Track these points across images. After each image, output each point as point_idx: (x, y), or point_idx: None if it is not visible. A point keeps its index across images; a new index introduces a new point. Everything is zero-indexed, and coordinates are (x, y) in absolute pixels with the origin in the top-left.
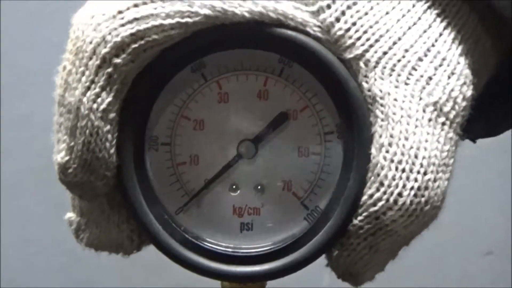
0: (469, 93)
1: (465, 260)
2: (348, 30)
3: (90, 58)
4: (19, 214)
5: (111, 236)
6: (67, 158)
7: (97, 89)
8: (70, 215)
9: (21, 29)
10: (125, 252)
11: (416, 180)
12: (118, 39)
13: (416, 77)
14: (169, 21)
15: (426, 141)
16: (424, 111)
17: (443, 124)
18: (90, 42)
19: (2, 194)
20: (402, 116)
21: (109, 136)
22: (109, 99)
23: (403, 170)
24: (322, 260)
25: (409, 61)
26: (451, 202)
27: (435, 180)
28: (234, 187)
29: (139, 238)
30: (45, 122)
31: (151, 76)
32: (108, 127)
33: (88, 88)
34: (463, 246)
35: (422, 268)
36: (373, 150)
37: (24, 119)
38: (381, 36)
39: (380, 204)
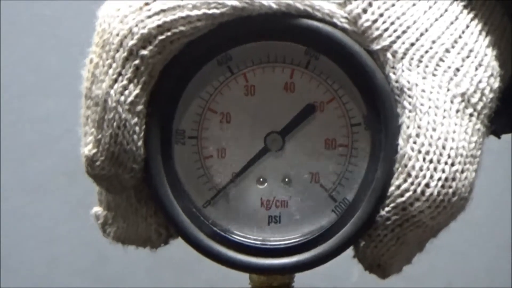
0: (496, 84)
1: (493, 253)
2: (375, 21)
3: (117, 51)
4: (44, 215)
5: (139, 229)
6: (94, 150)
7: (124, 82)
8: (97, 209)
9: (46, 29)
10: (152, 246)
11: (443, 171)
12: (145, 31)
13: (443, 68)
14: (195, 12)
15: (454, 132)
16: (451, 102)
17: (471, 115)
18: (117, 35)
19: (28, 194)
20: (430, 107)
21: (137, 128)
22: (137, 91)
23: (431, 161)
24: (351, 256)
25: (436, 52)
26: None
27: (462, 171)
28: (261, 179)
29: (167, 231)
30: (69, 122)
31: (178, 68)
32: (136, 119)
33: (115, 80)
34: (491, 240)
35: (450, 262)
36: (401, 141)
37: (49, 119)
38: (408, 27)
39: (407, 195)
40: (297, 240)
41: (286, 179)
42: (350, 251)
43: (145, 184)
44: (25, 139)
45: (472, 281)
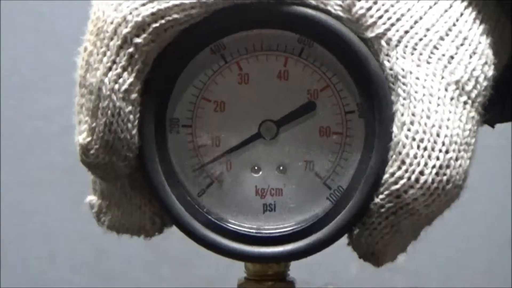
0: (490, 72)
1: (491, 249)
2: (369, 9)
3: (111, 39)
4: (43, 210)
5: (133, 218)
6: (88, 139)
7: (119, 70)
8: (91, 198)
9: (44, 25)
10: (147, 235)
11: (438, 158)
12: (139, 18)
13: (438, 56)
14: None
15: (448, 119)
16: (446, 89)
17: (465, 103)
18: (111, 22)
19: (27, 190)
20: (424, 95)
21: (131, 116)
22: (131, 79)
23: (425, 148)
24: (349, 250)
25: (430, 40)
26: (478, 191)
27: (457, 159)
28: (256, 168)
29: (161, 220)
30: (68, 118)
31: (172, 56)
32: (130, 107)
33: (110, 68)
34: (489, 235)
35: (448, 257)
36: (395, 129)
37: (48, 115)
38: (402, 15)
39: (401, 182)
40: (292, 228)
41: (281, 168)
42: (345, 240)
43: (140, 173)
44: (24, 135)
45: (471, 277)
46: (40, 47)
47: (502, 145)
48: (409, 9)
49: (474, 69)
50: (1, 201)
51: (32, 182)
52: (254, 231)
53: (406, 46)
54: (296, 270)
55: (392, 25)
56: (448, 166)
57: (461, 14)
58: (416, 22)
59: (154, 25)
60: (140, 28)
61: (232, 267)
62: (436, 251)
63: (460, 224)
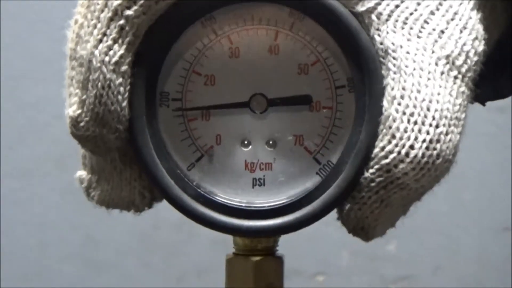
0: (480, 48)
1: (482, 236)
2: None
3: (102, 11)
4: (34, 200)
5: (123, 192)
6: (79, 111)
7: (109, 42)
8: (81, 173)
9: (36, 15)
10: (136, 209)
11: (428, 132)
12: None
13: (428, 31)
14: None
15: (439, 94)
16: (436, 64)
17: (455, 77)
18: None
19: (17, 180)
20: (414, 69)
21: (121, 89)
22: (121, 51)
23: (415, 123)
24: (342, 240)
25: (421, 15)
26: (469, 178)
27: (447, 133)
28: (245, 142)
29: (151, 194)
30: (59, 108)
31: (162, 29)
32: (120, 80)
33: (100, 40)
34: (480, 223)
35: (439, 245)
36: (385, 103)
37: (38, 105)
38: None
39: (391, 156)
40: (281, 202)
41: (271, 142)
42: (336, 229)
43: (130, 146)
44: (14, 125)
45: (462, 265)
46: (31, 37)
47: (492, 133)
48: None
49: (464, 44)
50: None
51: (23, 172)
52: (243, 204)
53: (396, 21)
54: (287, 259)
55: None
56: (438, 141)
57: None
58: None
59: None
60: (130, 0)
61: (222, 256)
62: (427, 239)
63: (451, 212)
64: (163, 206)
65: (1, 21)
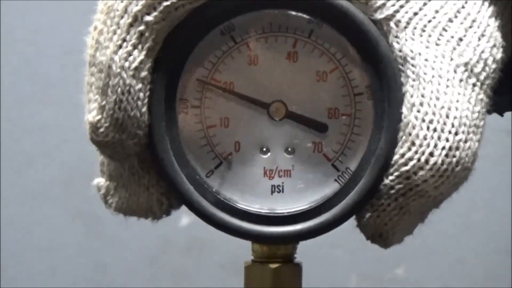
0: (499, 55)
1: (491, 258)
2: None
3: (122, 17)
4: (43, 224)
5: (140, 199)
6: (98, 117)
7: (129, 47)
8: (99, 180)
9: (44, 37)
10: (154, 217)
11: (447, 140)
12: None
13: (446, 38)
14: None
15: (457, 101)
16: (455, 71)
17: (474, 85)
18: (122, 1)
19: (26, 203)
20: (433, 76)
21: (141, 94)
22: (141, 57)
23: (435, 130)
24: (351, 262)
25: (439, 22)
26: (477, 200)
27: (466, 141)
28: (264, 149)
29: (168, 201)
30: (67, 132)
31: (182, 36)
32: (140, 85)
33: (120, 46)
34: (488, 245)
35: (448, 268)
36: (404, 110)
37: (46, 128)
38: None
39: (411, 163)
40: (300, 208)
41: (289, 149)
42: (345, 251)
43: (149, 152)
44: (23, 149)
45: (469, 286)
46: (39, 60)
47: (501, 155)
48: None
49: (482, 52)
50: (0, 215)
51: (31, 196)
52: (263, 211)
53: (415, 28)
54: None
55: (401, 6)
56: (457, 148)
57: None
58: (425, 3)
59: (165, 3)
60: (150, 6)
61: (231, 280)
62: (435, 262)
63: (459, 234)
64: (172, 230)
65: (9, 45)
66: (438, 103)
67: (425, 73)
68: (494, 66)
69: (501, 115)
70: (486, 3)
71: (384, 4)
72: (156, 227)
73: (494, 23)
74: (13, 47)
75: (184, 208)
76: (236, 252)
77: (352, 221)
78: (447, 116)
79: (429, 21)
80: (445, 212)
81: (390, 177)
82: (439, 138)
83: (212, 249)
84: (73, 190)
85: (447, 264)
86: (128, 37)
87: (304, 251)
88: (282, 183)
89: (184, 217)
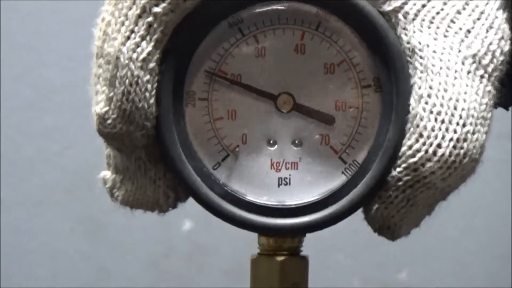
0: (506, 47)
1: (493, 262)
2: None
3: (130, 8)
4: (44, 230)
5: (147, 192)
6: (106, 108)
7: (137, 39)
8: (105, 173)
9: (46, 43)
10: (160, 210)
11: (455, 131)
12: None
13: (455, 30)
14: None
15: (465, 93)
16: (463, 63)
17: (482, 77)
18: None
19: (27, 210)
20: (441, 68)
21: (149, 86)
22: (149, 48)
23: (443, 121)
24: (353, 267)
25: (447, 14)
26: (479, 204)
27: (473, 133)
28: (271, 141)
29: (175, 194)
30: (68, 138)
31: (190, 27)
32: (148, 76)
33: (128, 37)
34: (491, 249)
35: (450, 272)
36: (412, 102)
37: (48, 135)
38: None
39: (419, 155)
40: (308, 200)
41: (296, 141)
42: (347, 255)
43: (156, 144)
44: (24, 155)
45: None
46: (40, 66)
47: (502, 159)
48: None
49: (490, 43)
50: (2, 221)
51: (33, 202)
52: (270, 203)
53: (423, 20)
54: None
55: None
56: (465, 140)
57: None
58: None
59: None
60: None
61: (236, 285)
62: (438, 266)
63: (460, 238)
64: (175, 236)
65: (11, 50)
66: (446, 94)
67: (433, 65)
68: (502, 58)
69: (507, 109)
70: None
71: None
72: (158, 233)
73: (502, 15)
74: (14, 52)
75: (186, 213)
76: (238, 257)
77: (353, 226)
78: (455, 108)
79: (437, 13)
80: (447, 216)
81: (398, 169)
82: (447, 129)
83: (214, 255)
84: (75, 196)
85: (449, 268)
86: (136, 29)
87: (306, 255)
88: (289, 175)
89: (186, 222)
